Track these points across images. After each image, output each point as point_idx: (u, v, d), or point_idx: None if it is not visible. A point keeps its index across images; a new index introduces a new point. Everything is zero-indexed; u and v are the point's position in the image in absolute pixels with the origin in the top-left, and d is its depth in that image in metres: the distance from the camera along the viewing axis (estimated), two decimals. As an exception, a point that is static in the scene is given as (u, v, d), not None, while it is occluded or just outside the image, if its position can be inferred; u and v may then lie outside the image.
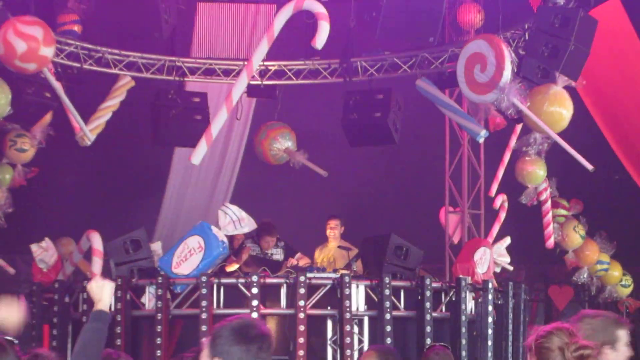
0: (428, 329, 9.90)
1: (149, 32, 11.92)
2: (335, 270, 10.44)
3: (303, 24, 11.20)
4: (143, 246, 10.22)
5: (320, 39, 10.16)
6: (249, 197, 13.05)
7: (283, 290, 9.86)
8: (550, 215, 12.95)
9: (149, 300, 9.96)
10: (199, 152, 10.93)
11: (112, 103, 12.05)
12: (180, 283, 9.90)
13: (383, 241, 10.44)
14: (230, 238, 10.83)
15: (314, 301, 9.83)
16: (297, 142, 13.27)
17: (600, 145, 12.77)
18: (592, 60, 10.72)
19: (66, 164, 13.29)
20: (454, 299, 10.29)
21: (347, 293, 9.70)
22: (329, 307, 9.90)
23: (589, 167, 10.85)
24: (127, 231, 10.27)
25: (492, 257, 11.46)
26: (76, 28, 11.94)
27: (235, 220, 10.51)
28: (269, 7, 13.06)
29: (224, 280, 9.86)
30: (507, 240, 12.10)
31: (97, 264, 10.83)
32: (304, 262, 11.07)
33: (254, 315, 9.46)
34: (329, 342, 9.93)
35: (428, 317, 9.93)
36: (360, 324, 9.99)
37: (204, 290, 9.59)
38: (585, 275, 13.64)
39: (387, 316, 9.75)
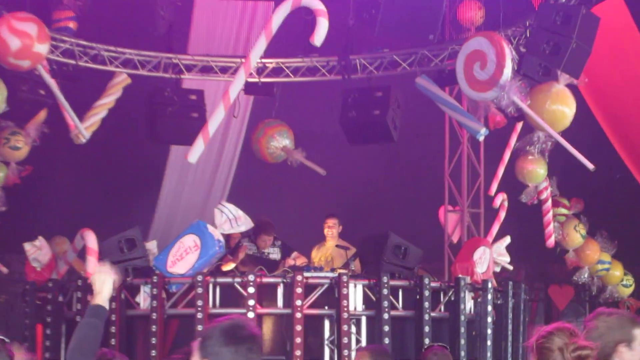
0: (426, 329, 9.86)
1: (145, 29, 11.94)
2: (332, 270, 10.42)
3: (301, 21, 11.12)
4: (138, 245, 10.17)
5: (319, 36, 10.15)
6: (246, 195, 13.03)
7: (280, 290, 9.82)
8: (550, 214, 12.96)
9: (143, 299, 9.92)
10: (196, 150, 10.90)
11: (108, 100, 12.02)
12: (175, 282, 9.86)
13: (381, 240, 10.39)
14: (227, 237, 10.85)
15: (311, 301, 9.79)
16: (295, 140, 13.26)
17: (601, 143, 12.74)
18: (594, 58, 10.66)
19: (61, 162, 13.28)
20: (453, 298, 10.26)
21: (345, 292, 9.67)
22: (326, 307, 9.86)
23: (590, 166, 10.82)
24: (122, 230, 10.20)
25: (491, 257, 11.45)
26: (71, 25, 11.88)
27: (231, 219, 10.49)
28: (267, 3, 13.05)
29: (220, 280, 9.83)
30: (507, 240, 12.09)
31: (91, 263, 10.75)
32: (300, 261, 11.04)
33: (251, 315, 9.45)
34: (326, 342, 9.88)
35: (427, 316, 9.90)
36: (358, 324, 9.95)
37: (199, 290, 9.55)
38: (585, 275, 13.65)
39: (385, 316, 9.71)
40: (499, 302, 10.72)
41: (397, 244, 10.33)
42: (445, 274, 13.15)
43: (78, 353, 4.02)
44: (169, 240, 10.71)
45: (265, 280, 9.79)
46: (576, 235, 13.25)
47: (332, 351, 9.82)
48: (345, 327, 9.60)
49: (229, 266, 10.63)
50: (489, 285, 10.47)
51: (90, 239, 10.94)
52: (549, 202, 12.88)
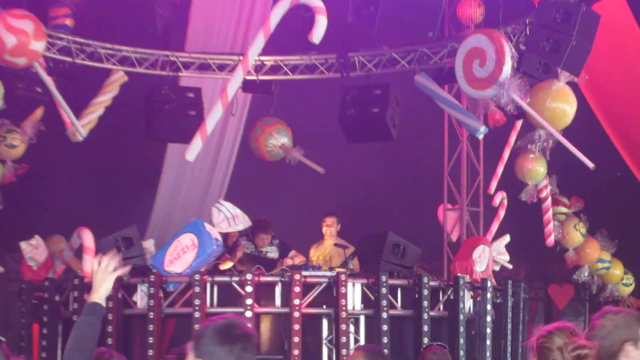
0: (425, 328, 9.85)
1: (142, 26, 11.92)
2: (331, 269, 10.40)
3: (300, 18, 11.05)
4: (135, 244, 10.16)
5: (318, 34, 10.12)
6: (244, 194, 13.01)
7: (278, 289, 9.82)
8: (550, 212, 12.93)
9: (141, 298, 9.91)
10: (194, 149, 10.87)
11: (105, 98, 11.99)
12: (173, 281, 9.86)
13: (380, 239, 10.37)
14: (225, 235, 10.83)
15: (309, 300, 9.78)
16: (294, 139, 13.23)
17: (601, 141, 12.73)
18: (594, 55, 10.62)
19: (57, 160, 13.25)
20: (452, 297, 10.24)
21: (343, 291, 9.65)
22: (324, 306, 9.85)
23: (590, 164, 10.81)
24: (119, 228, 10.18)
25: (491, 255, 11.44)
26: (68, 22, 11.85)
27: (229, 218, 10.48)
28: (265, 1, 12.96)
29: (217, 279, 9.83)
30: (507, 238, 12.09)
31: (88, 261, 10.71)
32: (298, 260, 11.06)
33: (248, 314, 9.43)
34: (324, 341, 9.86)
35: (425, 316, 9.88)
36: (357, 323, 9.93)
37: (197, 289, 9.55)
38: (585, 274, 13.63)
39: (384, 315, 9.69)
40: (498, 301, 10.71)
41: (395, 242, 10.31)
42: (445, 273, 13.11)
43: (76, 352, 3.97)
44: (167, 238, 10.70)
45: (263, 279, 9.77)
46: (576, 233, 13.22)
47: (330, 350, 9.80)
48: (343, 327, 9.58)
49: (226, 265, 10.61)
50: (489, 284, 10.45)
51: (87, 238, 10.92)
52: (549, 201, 12.86)
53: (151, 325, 9.58)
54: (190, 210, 13.24)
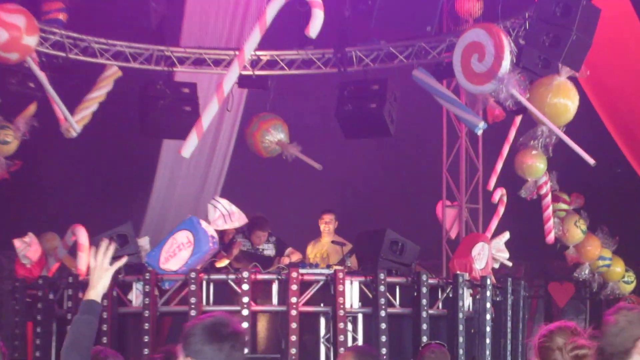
0: (424, 326, 9.82)
1: (137, 21, 11.83)
2: (328, 266, 10.44)
3: (296, 13, 10.97)
4: (130, 241, 10.11)
5: (314, 28, 10.06)
6: (240, 190, 13.03)
7: (275, 287, 9.80)
8: (550, 209, 12.93)
9: (136, 296, 9.90)
10: (190, 145, 10.83)
11: (99, 94, 11.93)
12: (168, 279, 9.84)
13: (378, 236, 10.34)
14: (221, 233, 10.86)
15: (306, 298, 9.75)
16: (290, 134, 13.20)
17: (602, 137, 12.75)
18: (594, 50, 10.57)
19: (51, 156, 13.19)
20: (451, 295, 10.21)
21: (341, 289, 9.62)
22: (322, 304, 9.83)
23: (590, 161, 10.79)
24: (114, 225, 10.13)
25: (490, 253, 11.44)
26: (61, 16, 11.75)
27: (225, 215, 10.46)
28: (261, -5, 12.86)
29: (213, 277, 9.81)
30: (506, 235, 12.06)
31: (82, 259, 10.62)
32: (295, 257, 11.02)
33: (245, 312, 9.42)
34: (322, 339, 9.84)
35: (424, 314, 9.85)
36: (355, 322, 9.90)
37: (193, 287, 9.52)
38: (586, 272, 13.63)
39: (382, 313, 9.66)
40: (498, 299, 10.70)
41: (394, 240, 10.26)
42: (443, 271, 13.06)
43: (74, 351, 3.92)
44: (162, 236, 10.67)
45: (260, 277, 9.75)
46: (576, 231, 13.21)
47: (327, 349, 9.78)
48: (341, 325, 9.55)
49: (222, 263, 10.55)
50: (488, 281, 10.42)
51: (81, 235, 10.86)
52: (549, 197, 12.85)
53: (146, 324, 9.55)
54: (186, 207, 13.23)
